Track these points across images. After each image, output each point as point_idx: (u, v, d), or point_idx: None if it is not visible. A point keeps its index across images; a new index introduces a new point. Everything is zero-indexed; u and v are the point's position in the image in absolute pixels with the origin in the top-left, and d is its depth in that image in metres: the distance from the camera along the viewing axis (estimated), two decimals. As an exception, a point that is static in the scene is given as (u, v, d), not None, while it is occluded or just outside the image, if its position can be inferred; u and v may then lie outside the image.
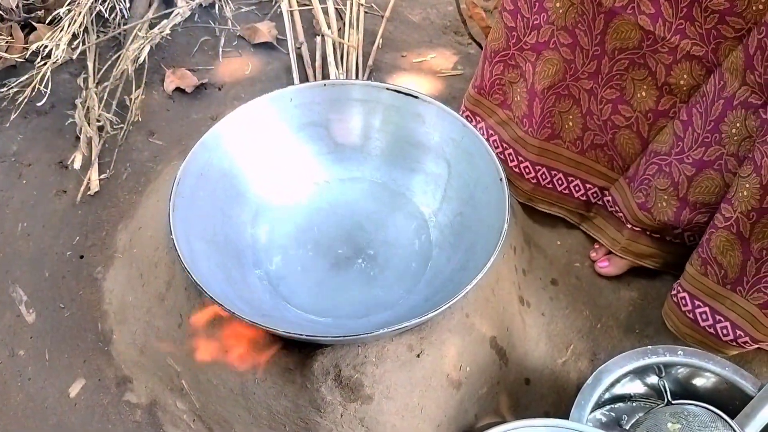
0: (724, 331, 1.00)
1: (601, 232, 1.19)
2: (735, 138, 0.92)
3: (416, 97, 1.07)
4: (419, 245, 1.06)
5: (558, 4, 0.96)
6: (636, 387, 1.02)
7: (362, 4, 1.57)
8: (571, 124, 1.08)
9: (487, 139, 1.19)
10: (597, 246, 1.20)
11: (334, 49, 1.46)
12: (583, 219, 1.22)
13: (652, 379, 0.99)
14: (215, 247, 0.99)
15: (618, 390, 1.00)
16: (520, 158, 1.16)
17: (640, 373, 0.98)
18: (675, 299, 1.05)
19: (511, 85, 1.12)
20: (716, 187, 0.97)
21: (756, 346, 0.99)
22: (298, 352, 0.94)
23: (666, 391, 0.95)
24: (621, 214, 1.13)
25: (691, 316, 1.03)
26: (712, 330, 1.01)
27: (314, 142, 1.12)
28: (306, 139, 1.12)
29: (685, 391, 0.98)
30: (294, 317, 0.98)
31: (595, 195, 1.16)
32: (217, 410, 1.00)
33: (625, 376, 0.97)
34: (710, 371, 0.96)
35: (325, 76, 1.44)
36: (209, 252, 0.97)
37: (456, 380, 0.96)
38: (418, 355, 0.93)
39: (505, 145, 1.18)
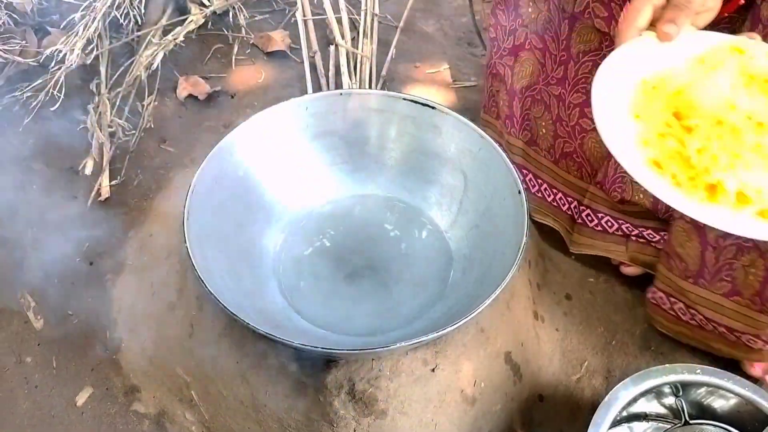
0: (703, 322, 1.02)
1: (593, 249, 1.18)
2: None
3: (433, 108, 1.06)
4: (434, 258, 1.05)
5: (530, 9, 1.01)
6: (653, 406, 1.00)
7: (376, 15, 1.57)
8: (544, 131, 1.11)
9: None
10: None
11: (348, 58, 1.45)
12: (571, 240, 1.20)
13: (669, 399, 0.98)
14: (228, 256, 0.98)
15: (634, 409, 0.98)
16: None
17: (657, 391, 0.96)
18: (654, 300, 1.07)
19: (497, 94, 1.17)
20: None
21: (749, 342, 0.99)
22: (311, 364, 0.92)
23: (683, 411, 0.94)
24: (605, 220, 1.13)
25: (672, 313, 1.06)
26: (693, 322, 1.03)
27: (329, 152, 1.11)
28: (321, 149, 1.11)
29: (703, 412, 0.97)
30: (307, 328, 0.96)
31: (576, 209, 1.16)
32: (226, 422, 0.98)
33: (642, 394, 0.95)
34: (729, 390, 0.94)
35: (338, 85, 1.43)
36: (222, 261, 0.96)
37: (470, 396, 0.95)
38: (433, 370, 0.92)
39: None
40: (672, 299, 1.05)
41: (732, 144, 0.68)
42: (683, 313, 1.04)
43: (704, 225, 0.87)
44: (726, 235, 0.90)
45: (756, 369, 1.06)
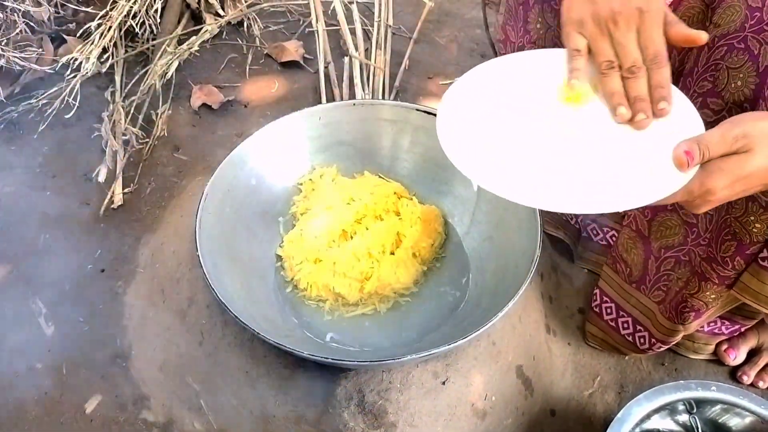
0: (625, 325, 1.04)
1: (595, 265, 1.18)
2: None
3: (446, 119, 1.05)
4: (447, 269, 1.04)
5: (539, 26, 1.00)
6: (666, 423, 0.98)
7: (390, 26, 1.57)
8: None
9: None
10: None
11: (361, 69, 1.45)
12: (576, 254, 1.20)
13: (683, 416, 0.96)
14: (240, 264, 0.98)
15: (648, 425, 0.97)
16: None
17: (671, 408, 0.95)
18: (596, 309, 1.09)
19: None
20: None
21: (654, 346, 1.01)
22: (320, 375, 0.92)
23: (697, 429, 0.92)
24: (610, 234, 1.13)
25: (597, 310, 1.07)
26: (613, 323, 1.05)
27: (342, 162, 1.11)
28: (333, 158, 1.11)
29: (718, 430, 0.95)
30: (317, 338, 0.96)
31: (581, 222, 1.16)
32: (235, 432, 0.98)
33: (655, 411, 0.93)
34: (745, 409, 0.92)
35: (352, 96, 1.43)
36: (233, 270, 0.96)
37: (481, 410, 0.94)
38: (444, 383, 0.91)
39: None
40: (605, 298, 1.06)
41: None
42: (609, 312, 1.06)
43: (649, 235, 0.93)
44: (667, 247, 0.92)
45: (731, 355, 1.11)
